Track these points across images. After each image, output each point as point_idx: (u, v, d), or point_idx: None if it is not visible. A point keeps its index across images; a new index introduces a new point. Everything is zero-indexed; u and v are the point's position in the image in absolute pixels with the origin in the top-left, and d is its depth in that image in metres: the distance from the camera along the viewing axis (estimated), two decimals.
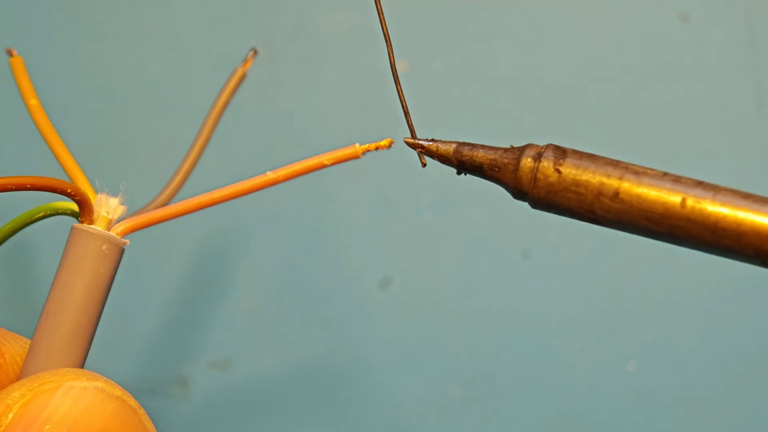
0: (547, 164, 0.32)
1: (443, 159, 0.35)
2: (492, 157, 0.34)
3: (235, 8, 0.66)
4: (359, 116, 0.64)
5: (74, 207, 0.34)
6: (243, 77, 0.39)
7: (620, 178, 0.31)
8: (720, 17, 0.64)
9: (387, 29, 0.36)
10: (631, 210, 0.31)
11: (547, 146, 0.33)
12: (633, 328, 0.61)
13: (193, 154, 0.37)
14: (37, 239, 0.62)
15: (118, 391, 0.32)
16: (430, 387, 0.62)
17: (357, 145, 0.35)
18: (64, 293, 0.33)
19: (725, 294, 0.61)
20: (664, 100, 0.63)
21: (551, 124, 0.64)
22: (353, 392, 0.62)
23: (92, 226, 0.34)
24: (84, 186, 0.35)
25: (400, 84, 0.36)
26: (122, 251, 0.35)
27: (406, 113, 0.36)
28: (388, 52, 0.36)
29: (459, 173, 0.35)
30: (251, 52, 0.39)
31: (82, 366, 0.34)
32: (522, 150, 0.33)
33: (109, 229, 0.34)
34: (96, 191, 0.35)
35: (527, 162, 0.33)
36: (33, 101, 0.36)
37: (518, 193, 0.33)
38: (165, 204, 0.36)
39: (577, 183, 0.32)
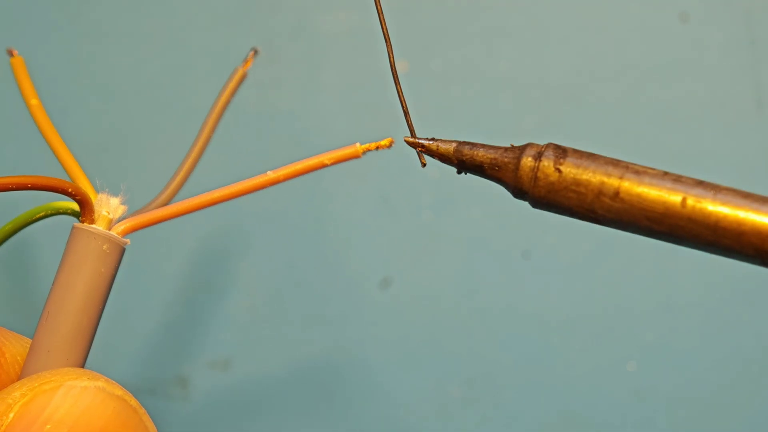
0: (547, 163, 0.32)
1: (443, 158, 0.35)
2: (492, 156, 0.34)
3: (235, 8, 0.66)
4: (359, 116, 0.64)
5: (75, 206, 0.34)
6: (244, 77, 0.39)
7: (621, 178, 0.31)
8: (720, 17, 0.64)
9: (387, 29, 0.36)
10: (632, 209, 0.31)
11: (548, 145, 0.33)
12: (633, 328, 0.61)
13: (193, 154, 0.37)
14: (37, 239, 0.62)
15: (119, 391, 0.32)
16: (430, 387, 0.62)
17: (357, 144, 0.35)
18: (64, 293, 0.33)
19: (725, 294, 0.61)
20: (664, 100, 0.63)
21: (551, 124, 0.64)
22: (353, 392, 0.62)
23: (93, 226, 0.34)
24: (85, 185, 0.35)
25: (400, 84, 0.36)
26: (123, 251, 0.35)
27: (406, 113, 0.36)
28: (388, 52, 0.36)
29: (459, 172, 0.35)
30: (252, 52, 0.39)
31: (82, 365, 0.34)
32: (522, 149, 0.33)
33: (109, 229, 0.34)
34: (97, 191, 0.35)
35: (528, 161, 0.33)
36: (34, 101, 0.36)
37: (519, 192, 0.33)
38: (166, 203, 0.36)
39: (577, 182, 0.32)
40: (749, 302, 0.61)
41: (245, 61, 0.39)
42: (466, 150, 0.34)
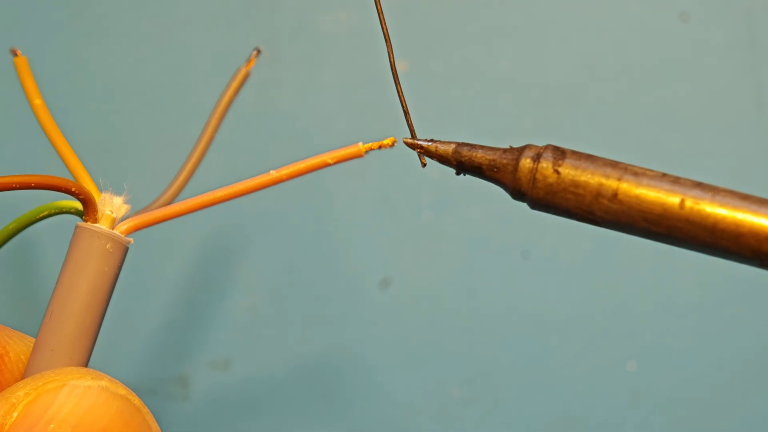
0: (546, 165, 0.32)
1: (442, 159, 0.35)
2: (491, 157, 0.34)
3: (235, 8, 0.66)
4: (359, 116, 0.64)
5: (78, 206, 0.34)
6: (246, 76, 0.39)
7: (619, 179, 0.31)
8: (720, 17, 0.64)
9: (387, 29, 0.36)
10: (630, 211, 0.31)
11: (546, 147, 0.33)
12: (632, 328, 0.62)
13: (196, 153, 0.37)
14: (41, 238, 0.62)
15: (122, 390, 0.32)
16: (430, 387, 0.62)
17: (360, 144, 0.35)
18: (68, 292, 0.33)
19: (724, 294, 0.61)
20: (664, 100, 0.63)
21: (551, 125, 0.64)
22: (353, 392, 0.62)
23: (96, 225, 0.34)
24: (88, 185, 0.35)
25: (400, 84, 0.36)
26: (126, 250, 0.35)
27: (406, 113, 0.36)
28: (388, 52, 0.36)
29: (458, 174, 0.35)
30: (254, 52, 0.39)
31: (86, 365, 0.34)
32: (521, 150, 0.33)
33: (113, 228, 0.34)
34: (100, 190, 0.35)
35: (526, 162, 0.33)
36: (37, 101, 0.36)
37: (517, 193, 0.33)
38: (169, 203, 0.36)
39: (575, 184, 0.32)
40: (748, 303, 0.61)
41: (248, 60, 0.39)
42: (464, 151, 0.34)
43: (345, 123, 0.64)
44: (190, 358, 0.62)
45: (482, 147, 0.34)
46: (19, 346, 0.36)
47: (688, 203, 0.30)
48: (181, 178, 0.37)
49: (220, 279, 0.63)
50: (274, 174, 0.35)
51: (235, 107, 0.40)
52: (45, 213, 0.35)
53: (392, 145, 0.35)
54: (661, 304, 0.62)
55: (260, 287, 0.63)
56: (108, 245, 0.34)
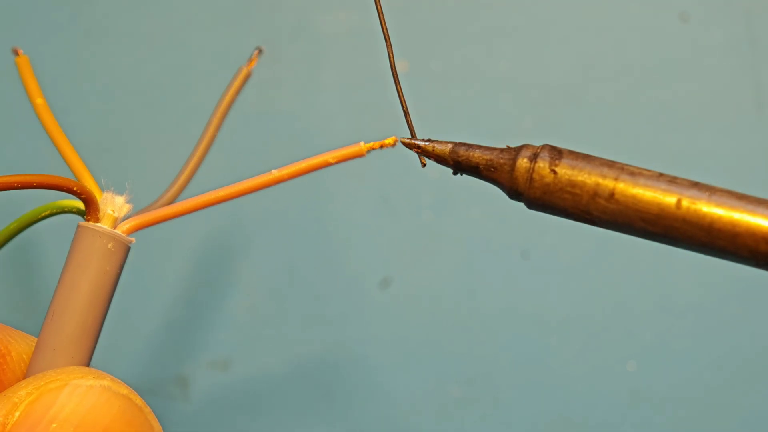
0: (542, 165, 0.32)
1: (439, 159, 0.35)
2: (488, 157, 0.34)
3: (235, 8, 0.66)
4: (359, 116, 0.64)
5: (80, 205, 0.34)
6: (248, 76, 0.39)
7: (616, 179, 0.31)
8: (720, 17, 0.64)
9: (387, 29, 0.36)
10: (627, 211, 0.31)
11: (543, 146, 0.33)
12: (632, 328, 0.62)
13: (198, 153, 0.37)
14: (43, 237, 0.62)
15: (124, 390, 0.32)
16: (430, 387, 0.62)
17: (362, 143, 0.35)
18: (70, 291, 0.33)
19: (724, 294, 0.61)
20: (663, 100, 0.63)
21: (551, 124, 0.64)
22: (353, 392, 0.62)
23: (98, 224, 0.34)
24: (90, 184, 0.35)
25: (400, 84, 0.36)
26: (128, 249, 0.35)
27: (406, 113, 0.36)
28: (388, 52, 0.36)
29: (455, 173, 0.35)
30: (256, 51, 0.39)
31: (88, 364, 0.34)
32: (518, 150, 0.33)
33: (114, 227, 0.34)
34: (102, 189, 0.35)
35: (523, 162, 0.33)
36: (39, 100, 0.36)
37: (514, 193, 0.33)
38: (171, 202, 0.36)
39: (572, 183, 0.32)
40: (747, 302, 0.61)
41: (250, 60, 0.39)
42: (461, 151, 0.34)
43: (345, 123, 0.64)
44: (190, 358, 0.62)
45: (479, 147, 0.34)
46: (21, 345, 0.36)
47: (685, 203, 0.31)
48: (183, 177, 0.37)
49: (220, 279, 0.63)
50: (275, 173, 0.35)
51: (236, 107, 0.40)
52: (47, 212, 0.35)
53: (394, 145, 0.35)
54: (661, 304, 0.62)
55: (260, 287, 0.63)
56: (110, 245, 0.34)
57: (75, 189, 0.33)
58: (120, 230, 0.34)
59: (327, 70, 0.65)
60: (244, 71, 0.39)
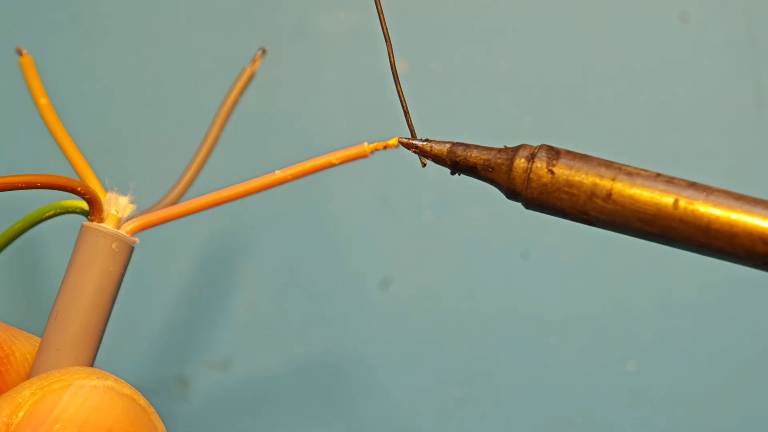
0: (540, 165, 0.32)
1: (437, 159, 0.35)
2: (486, 157, 0.34)
3: (235, 8, 0.66)
4: (359, 116, 0.64)
5: (84, 205, 0.34)
6: (252, 76, 0.39)
7: (613, 179, 0.31)
8: (720, 17, 0.64)
9: (387, 29, 0.36)
10: (624, 211, 0.31)
11: (541, 147, 0.33)
12: (632, 328, 0.62)
13: (202, 153, 0.37)
14: (46, 238, 0.62)
15: (127, 390, 0.32)
16: (430, 387, 0.62)
17: (365, 144, 0.35)
18: (74, 292, 0.33)
19: (724, 294, 0.62)
20: (663, 100, 0.64)
21: (551, 124, 0.64)
22: (353, 392, 0.62)
23: (102, 225, 0.34)
24: (94, 184, 0.35)
25: (400, 84, 0.36)
26: (132, 249, 0.35)
27: (406, 113, 0.36)
28: (388, 52, 0.36)
29: (453, 173, 0.35)
30: (260, 51, 0.39)
31: (91, 364, 0.34)
32: (515, 150, 0.33)
33: (118, 228, 0.34)
34: (106, 190, 0.35)
35: (520, 162, 0.33)
36: (43, 100, 0.36)
37: (511, 193, 0.33)
38: (174, 202, 0.36)
39: (570, 184, 0.32)
40: (747, 302, 0.61)
41: (253, 60, 0.39)
42: (459, 151, 0.34)
43: (345, 123, 0.64)
44: (191, 358, 0.62)
45: (477, 147, 0.34)
46: (24, 345, 0.36)
47: (682, 203, 0.31)
48: (187, 177, 0.37)
49: (220, 279, 0.63)
50: (279, 174, 0.35)
51: (236, 107, 0.40)
52: (50, 213, 0.35)
53: (397, 146, 0.35)
54: (661, 304, 0.62)
55: (260, 287, 0.63)
56: (113, 245, 0.34)
57: (79, 189, 0.33)
58: (124, 230, 0.34)
59: (327, 70, 0.65)
60: (248, 72, 0.39)
